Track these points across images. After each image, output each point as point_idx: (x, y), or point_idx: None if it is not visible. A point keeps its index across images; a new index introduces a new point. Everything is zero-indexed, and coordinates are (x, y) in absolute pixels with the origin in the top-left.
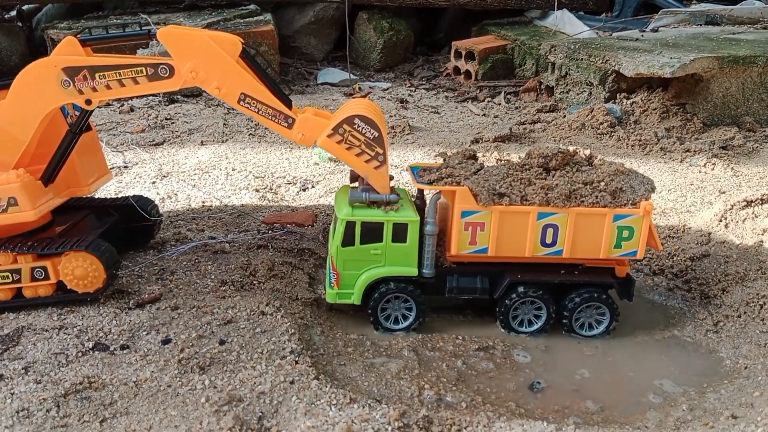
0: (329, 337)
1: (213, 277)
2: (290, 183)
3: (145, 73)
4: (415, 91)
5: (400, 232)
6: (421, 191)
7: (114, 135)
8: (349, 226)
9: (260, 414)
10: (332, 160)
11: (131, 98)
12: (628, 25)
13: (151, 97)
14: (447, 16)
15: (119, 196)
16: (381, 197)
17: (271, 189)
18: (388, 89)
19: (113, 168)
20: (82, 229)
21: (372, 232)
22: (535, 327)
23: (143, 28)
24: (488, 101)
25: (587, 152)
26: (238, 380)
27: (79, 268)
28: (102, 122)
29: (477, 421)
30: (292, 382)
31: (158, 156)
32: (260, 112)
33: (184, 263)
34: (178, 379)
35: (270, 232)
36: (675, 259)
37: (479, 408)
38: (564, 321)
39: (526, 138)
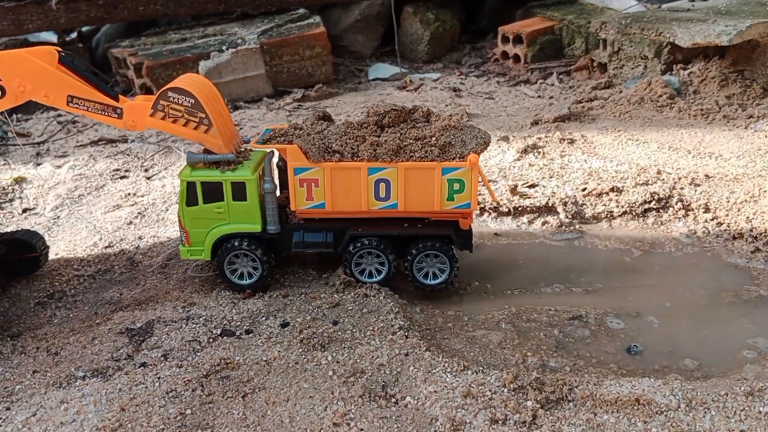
0: (428, 314)
1: (314, 266)
2: None
3: None
4: (465, 78)
5: (239, 191)
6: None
7: (189, 144)
8: (190, 186)
9: (383, 383)
10: None
11: None
12: None
13: None
14: (490, 2)
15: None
16: (219, 157)
17: None
18: (438, 79)
19: None
20: None
21: (212, 192)
22: (380, 277)
23: None
24: (541, 83)
25: (426, 109)
26: (357, 355)
27: None
28: None
29: (586, 380)
30: (406, 354)
31: None
32: (90, 109)
33: (285, 256)
34: (303, 356)
35: None
36: (753, 222)
37: (583, 371)
38: (406, 271)
39: (585, 116)
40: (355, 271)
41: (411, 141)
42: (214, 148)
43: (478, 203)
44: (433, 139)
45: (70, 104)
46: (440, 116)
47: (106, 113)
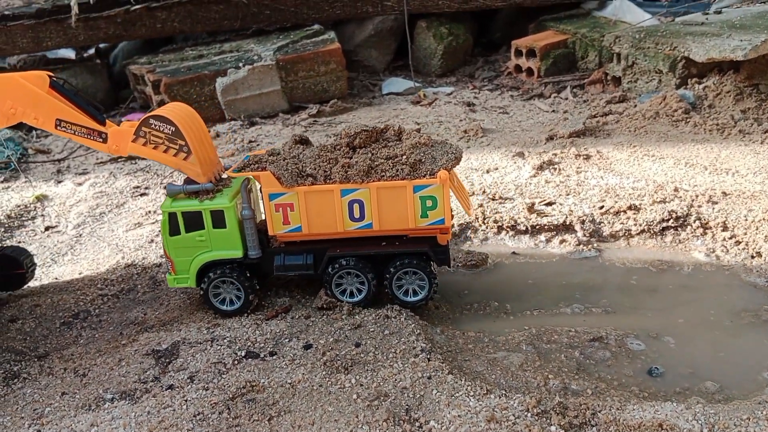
0: (449, 335)
1: None
2: None
3: None
4: (479, 93)
5: (218, 219)
6: None
7: None
8: (172, 216)
9: (407, 407)
10: None
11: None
12: (690, 8)
13: (232, 122)
14: (502, 15)
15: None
16: (197, 187)
17: None
18: (452, 93)
19: None
20: None
21: (193, 221)
22: (360, 297)
23: None
24: (555, 97)
25: (397, 127)
26: (381, 378)
27: None
28: None
29: (609, 405)
30: (429, 378)
31: None
32: (76, 133)
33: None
34: (327, 379)
35: None
36: None
37: (605, 394)
38: (386, 289)
39: (600, 131)
40: (336, 291)
41: (382, 160)
42: (192, 176)
43: (495, 221)
44: (404, 157)
45: (58, 127)
46: (411, 134)
47: (92, 137)
